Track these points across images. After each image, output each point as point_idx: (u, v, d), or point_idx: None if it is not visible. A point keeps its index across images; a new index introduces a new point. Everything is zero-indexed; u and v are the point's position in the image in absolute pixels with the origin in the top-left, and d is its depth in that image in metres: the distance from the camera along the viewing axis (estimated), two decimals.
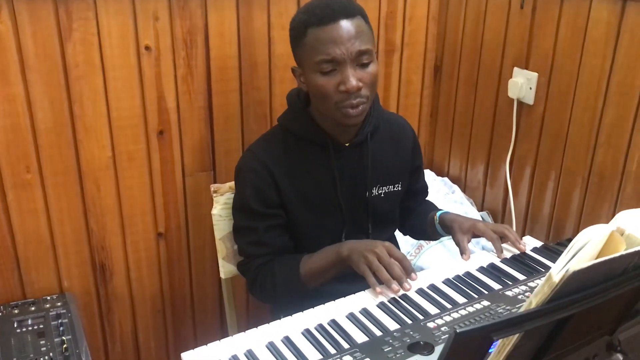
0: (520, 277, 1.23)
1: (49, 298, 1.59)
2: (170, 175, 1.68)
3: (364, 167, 1.37)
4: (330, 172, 1.35)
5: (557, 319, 0.71)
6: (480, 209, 1.97)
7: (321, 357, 0.99)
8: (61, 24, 1.42)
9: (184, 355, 1.00)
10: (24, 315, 1.51)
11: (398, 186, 1.44)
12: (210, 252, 1.82)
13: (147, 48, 1.53)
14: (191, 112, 1.65)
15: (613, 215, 1.51)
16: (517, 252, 1.32)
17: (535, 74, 1.67)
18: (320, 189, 1.35)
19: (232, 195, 1.51)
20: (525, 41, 1.69)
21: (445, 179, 2.06)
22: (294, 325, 1.08)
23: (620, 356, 0.98)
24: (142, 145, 1.61)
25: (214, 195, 1.51)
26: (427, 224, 1.51)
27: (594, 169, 1.54)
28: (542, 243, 1.37)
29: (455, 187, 2.02)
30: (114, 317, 1.75)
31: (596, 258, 0.73)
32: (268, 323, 1.09)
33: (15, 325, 1.47)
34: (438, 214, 1.47)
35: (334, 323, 1.07)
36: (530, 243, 1.37)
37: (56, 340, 1.43)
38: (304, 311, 1.12)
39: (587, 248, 0.72)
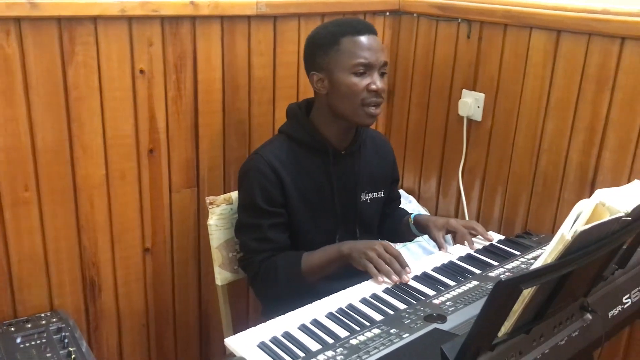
0: (494, 262, 1.43)
1: (42, 315, 1.61)
2: (158, 192, 1.76)
3: (356, 173, 1.56)
4: (328, 176, 1.51)
5: (566, 272, 0.91)
6: (435, 215, 2.19)
7: (348, 333, 1.13)
8: (64, 48, 1.49)
9: (227, 340, 1.11)
10: (22, 331, 1.53)
11: (381, 193, 1.64)
12: (192, 266, 1.91)
13: (141, 71, 1.63)
14: (179, 132, 1.75)
15: (556, 213, 1.78)
16: (487, 243, 1.54)
17: (483, 95, 1.93)
18: (319, 191, 1.52)
19: (227, 206, 1.63)
20: (472, 66, 1.94)
21: (401, 190, 2.27)
22: (315, 311, 1.21)
23: (589, 315, 1.20)
24: (133, 163, 1.69)
25: (210, 207, 1.62)
26: (402, 226, 1.70)
27: (538, 172, 1.80)
28: (505, 236, 1.60)
29: (411, 198, 2.23)
30: (102, 333, 1.78)
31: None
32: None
33: (17, 341, 1.49)
34: (412, 216, 1.67)
35: (351, 307, 1.22)
36: (495, 237, 1.59)
37: (61, 352, 1.46)
38: (322, 299, 1.26)
39: (582, 217, 0.93)
